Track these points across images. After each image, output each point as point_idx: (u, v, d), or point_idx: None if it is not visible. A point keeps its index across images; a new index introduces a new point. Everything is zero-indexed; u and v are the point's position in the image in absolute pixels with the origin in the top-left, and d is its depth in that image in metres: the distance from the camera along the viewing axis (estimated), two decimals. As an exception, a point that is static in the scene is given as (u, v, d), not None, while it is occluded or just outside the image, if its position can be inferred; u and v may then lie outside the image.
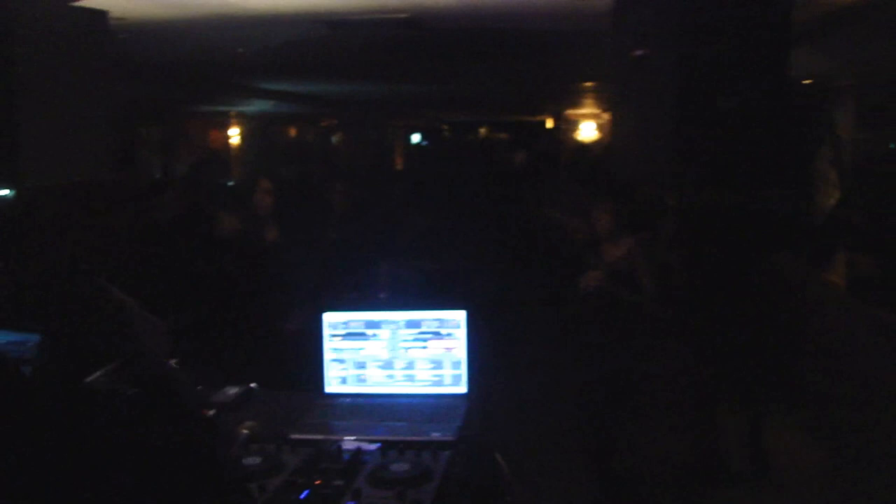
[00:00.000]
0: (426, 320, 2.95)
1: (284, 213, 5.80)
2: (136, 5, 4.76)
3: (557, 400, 5.43)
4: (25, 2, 3.91)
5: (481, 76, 10.18)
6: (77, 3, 4.25)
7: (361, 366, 2.97)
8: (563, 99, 15.16)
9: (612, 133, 8.67)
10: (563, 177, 9.56)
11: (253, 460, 2.35)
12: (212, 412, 2.68)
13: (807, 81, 6.32)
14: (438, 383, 2.94)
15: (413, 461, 2.33)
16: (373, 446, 2.47)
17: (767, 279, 5.93)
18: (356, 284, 5.28)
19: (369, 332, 2.97)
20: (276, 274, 5.29)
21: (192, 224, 6.04)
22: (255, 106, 12.82)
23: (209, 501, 1.18)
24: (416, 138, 23.52)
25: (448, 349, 2.93)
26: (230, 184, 11.17)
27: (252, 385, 3.06)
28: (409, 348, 2.95)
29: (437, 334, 2.94)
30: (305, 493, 2.16)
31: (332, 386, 2.99)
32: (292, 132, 17.59)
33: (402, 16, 5.21)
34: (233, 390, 2.99)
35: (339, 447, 2.45)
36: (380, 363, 2.97)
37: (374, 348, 2.97)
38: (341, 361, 2.99)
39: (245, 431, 2.58)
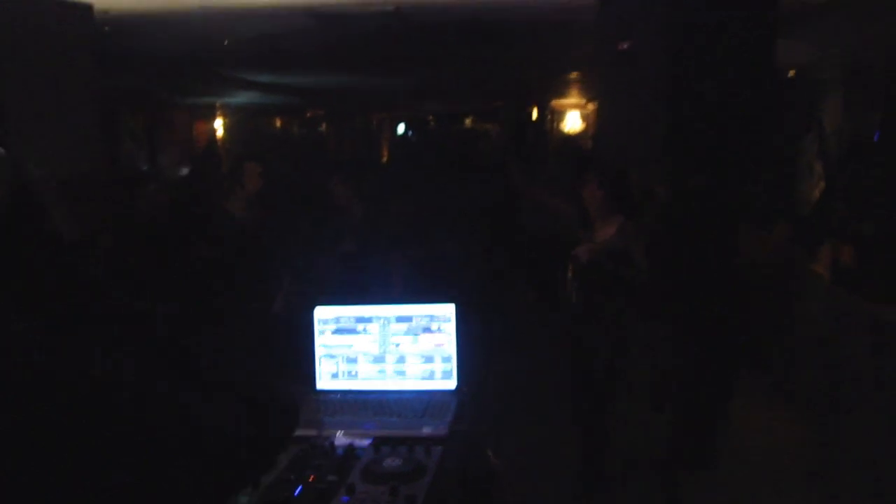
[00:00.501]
0: (416, 315, 2.96)
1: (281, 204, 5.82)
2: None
3: (547, 389, 5.46)
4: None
5: (466, 67, 10.17)
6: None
7: (353, 361, 2.98)
8: (548, 88, 15.17)
9: (597, 124, 8.68)
10: (551, 162, 9.58)
11: (245, 457, 2.35)
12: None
13: (792, 73, 6.35)
14: (429, 378, 2.95)
15: (406, 456, 2.34)
16: (365, 442, 2.48)
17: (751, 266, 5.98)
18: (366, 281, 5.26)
19: (360, 326, 2.98)
20: (263, 261, 5.27)
21: (182, 215, 6.03)
22: (241, 97, 12.76)
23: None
24: (401, 129, 23.50)
25: (438, 344, 2.95)
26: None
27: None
28: (400, 343, 2.96)
29: (427, 329, 2.95)
30: (299, 489, 2.17)
31: (323, 381, 3.00)
32: (278, 123, 17.53)
33: (388, 8, 5.20)
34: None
35: (332, 443, 2.46)
36: (371, 358, 2.97)
37: (364, 343, 2.98)
38: (332, 357, 2.99)
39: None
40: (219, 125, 13.18)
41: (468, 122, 24.23)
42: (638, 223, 4.65)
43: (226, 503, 1.25)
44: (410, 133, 24.13)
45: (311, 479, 2.22)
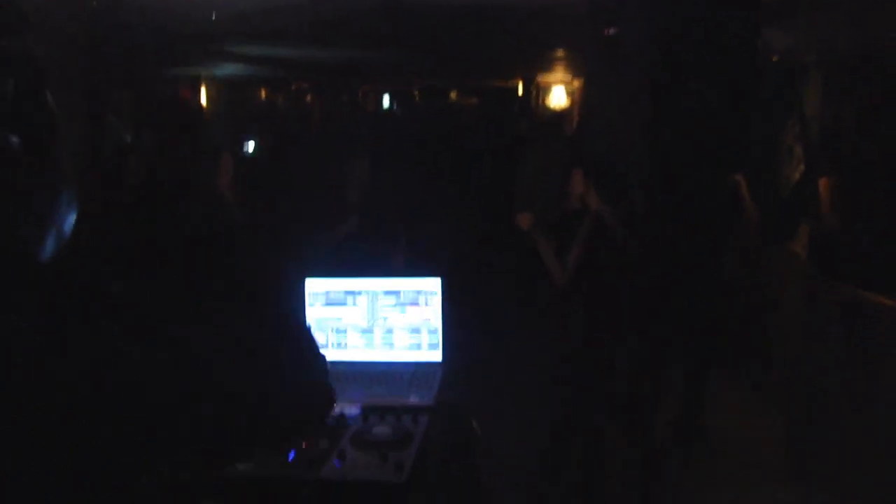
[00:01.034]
0: (404, 289, 3.06)
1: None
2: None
3: (530, 362, 5.56)
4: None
5: (453, 43, 10.21)
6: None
7: (342, 332, 3.08)
8: (535, 65, 15.21)
9: (581, 109, 8.76)
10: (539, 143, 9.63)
11: (240, 423, 2.44)
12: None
13: (775, 59, 6.44)
14: (416, 349, 3.05)
15: (394, 425, 2.45)
16: (355, 410, 2.59)
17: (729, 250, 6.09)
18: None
19: (349, 299, 3.07)
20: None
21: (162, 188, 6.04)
22: (227, 69, 12.76)
23: None
24: (386, 103, 23.51)
25: (425, 317, 3.05)
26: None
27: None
28: (388, 316, 3.06)
29: (414, 302, 3.05)
30: (293, 453, 2.27)
31: (312, 352, 3.09)
32: (263, 95, 17.50)
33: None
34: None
35: (323, 411, 2.56)
36: (359, 330, 3.07)
37: (353, 315, 3.07)
38: (322, 328, 3.09)
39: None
40: (203, 96, 13.17)
41: (453, 95, 24.23)
42: (623, 211, 4.73)
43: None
44: (395, 107, 24.13)
45: (303, 446, 2.32)
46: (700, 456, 5.26)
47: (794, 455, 5.20)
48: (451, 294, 3.08)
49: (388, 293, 3.06)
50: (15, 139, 1.08)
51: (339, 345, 3.08)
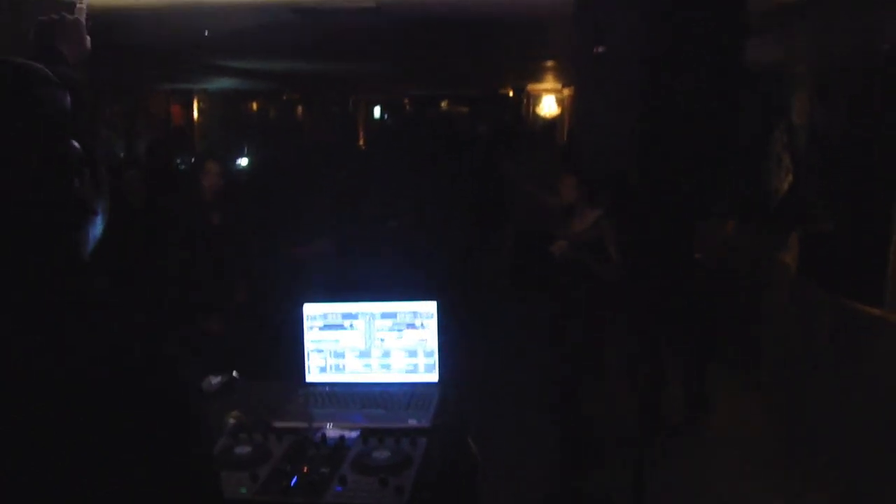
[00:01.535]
0: (401, 311, 3.11)
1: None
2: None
3: (525, 375, 5.62)
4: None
5: (443, 53, 10.27)
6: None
7: (340, 355, 3.12)
8: (525, 74, 15.29)
9: (572, 119, 8.81)
10: (528, 150, 9.68)
11: (243, 449, 2.49)
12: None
13: (762, 69, 6.50)
14: (413, 371, 3.10)
15: (393, 448, 2.49)
16: (354, 433, 2.63)
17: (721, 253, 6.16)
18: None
19: (346, 323, 3.12)
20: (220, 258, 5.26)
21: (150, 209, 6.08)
22: (218, 83, 12.81)
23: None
24: (377, 113, 23.55)
25: (422, 340, 3.09)
26: (181, 167, 11.13)
27: (234, 374, 3.20)
28: (385, 338, 3.10)
29: (411, 325, 3.10)
30: (295, 479, 2.31)
31: (312, 375, 3.14)
32: (254, 106, 17.55)
33: (370, 4, 5.30)
34: (216, 379, 3.12)
35: (324, 434, 2.61)
36: (357, 353, 3.12)
37: (351, 338, 3.12)
38: (320, 351, 3.13)
39: (232, 420, 2.72)
40: (196, 109, 13.22)
41: (444, 104, 24.29)
42: (613, 217, 4.81)
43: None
44: (386, 116, 24.18)
45: (304, 471, 2.36)
46: (690, 453, 5.32)
47: (786, 455, 5.27)
48: (447, 315, 3.13)
49: (385, 316, 3.10)
50: (77, 147, 1.21)
51: (337, 367, 3.12)
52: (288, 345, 3.23)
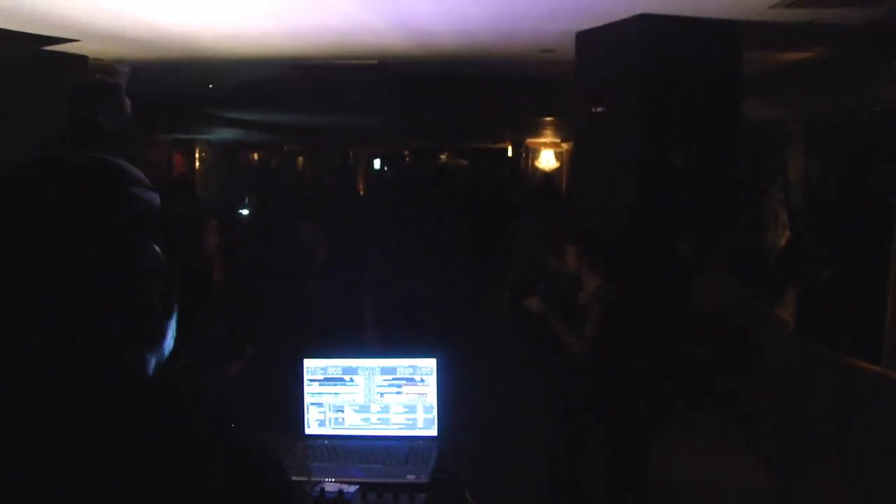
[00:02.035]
0: (400, 367, 3.13)
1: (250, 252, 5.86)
2: (113, 47, 4.89)
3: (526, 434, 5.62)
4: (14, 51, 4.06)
5: (444, 108, 10.40)
6: (55, 48, 4.41)
7: (339, 409, 3.14)
8: (524, 129, 15.44)
9: (571, 183, 8.90)
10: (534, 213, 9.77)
11: (242, 503, 2.49)
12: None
13: (758, 127, 6.60)
14: (412, 426, 3.11)
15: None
16: (353, 488, 2.64)
17: (718, 315, 6.19)
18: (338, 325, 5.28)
19: (346, 377, 3.14)
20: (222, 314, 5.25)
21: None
22: (220, 134, 12.93)
23: None
24: (377, 164, 23.72)
25: (421, 394, 3.11)
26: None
27: (232, 426, 3.20)
28: (384, 393, 3.13)
29: (410, 380, 3.12)
30: (293, 535, 2.32)
31: (311, 428, 3.15)
32: (255, 157, 17.70)
33: (371, 62, 5.39)
34: (215, 432, 3.13)
35: (322, 489, 2.61)
36: (356, 407, 3.14)
37: (350, 393, 3.14)
38: (319, 405, 3.15)
39: (231, 473, 2.73)
40: (197, 159, 13.32)
41: (444, 157, 24.48)
42: (615, 285, 4.81)
43: None
44: (386, 168, 24.36)
45: (304, 526, 2.37)
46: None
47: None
48: (446, 370, 3.15)
49: (384, 371, 3.13)
50: (160, 255, 1.15)
51: (336, 421, 3.14)
52: (288, 398, 3.25)
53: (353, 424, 3.13)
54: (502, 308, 7.76)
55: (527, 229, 7.93)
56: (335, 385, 3.14)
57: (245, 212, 11.18)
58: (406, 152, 24.91)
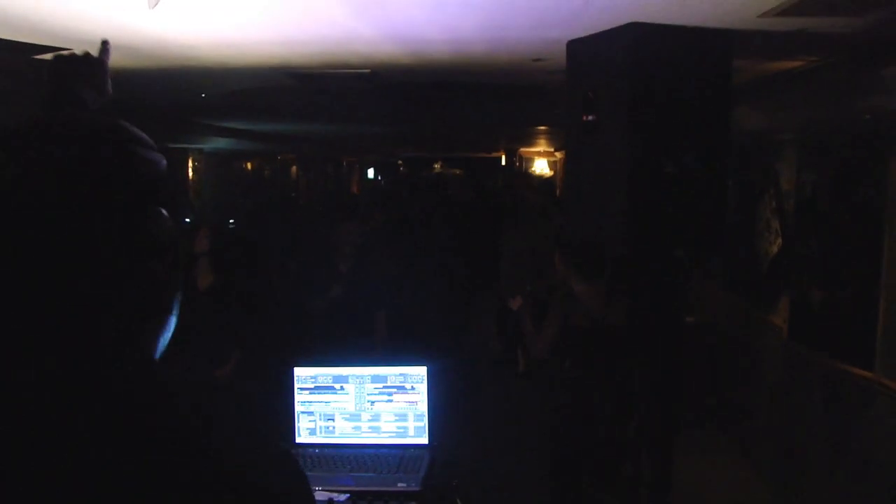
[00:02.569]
0: (391, 375, 3.13)
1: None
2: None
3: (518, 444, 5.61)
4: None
5: (437, 117, 10.40)
6: (44, 57, 4.40)
7: (330, 418, 3.13)
8: (517, 138, 15.47)
9: (562, 192, 8.92)
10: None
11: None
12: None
13: (749, 136, 6.62)
14: (403, 435, 3.11)
15: (382, 513, 2.50)
16: (343, 497, 2.63)
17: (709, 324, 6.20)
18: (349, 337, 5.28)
19: (337, 385, 3.14)
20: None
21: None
22: (214, 143, 12.92)
23: None
24: (371, 173, 23.73)
25: (411, 402, 3.11)
26: (187, 220, 11.24)
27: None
28: (375, 401, 3.12)
29: (401, 388, 3.12)
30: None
31: (301, 437, 3.15)
32: (249, 166, 17.70)
33: (364, 71, 5.39)
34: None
35: (312, 498, 2.60)
36: (347, 415, 3.13)
37: (341, 401, 3.13)
38: (310, 413, 3.15)
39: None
40: (191, 168, 13.31)
41: (437, 166, 24.52)
42: (603, 289, 4.83)
43: None
44: (380, 177, 24.38)
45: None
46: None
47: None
48: (437, 379, 3.15)
49: (375, 380, 3.12)
50: (169, 220, 1.09)
51: (327, 430, 3.14)
52: (277, 406, 3.24)
53: (344, 433, 3.13)
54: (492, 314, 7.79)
55: (515, 236, 7.96)
56: (325, 393, 3.14)
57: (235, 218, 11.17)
58: (400, 162, 24.93)
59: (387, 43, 4.45)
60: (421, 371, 3.13)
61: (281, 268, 6.07)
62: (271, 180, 18.57)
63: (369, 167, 24.79)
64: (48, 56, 4.48)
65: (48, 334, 0.99)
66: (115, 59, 4.99)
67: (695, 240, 4.01)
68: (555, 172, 16.47)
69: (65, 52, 1.57)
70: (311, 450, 3.10)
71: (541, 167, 16.83)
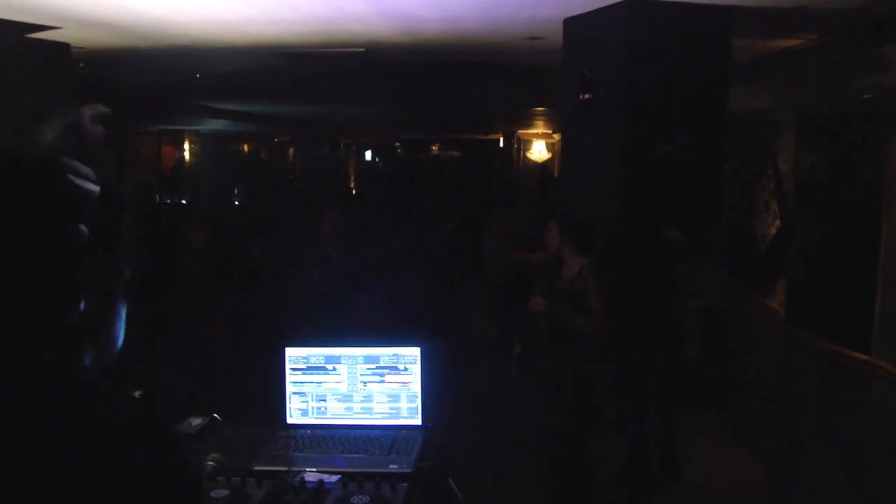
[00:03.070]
0: (384, 356, 3.09)
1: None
2: (96, 35, 4.83)
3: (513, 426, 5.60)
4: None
5: (433, 98, 10.35)
6: (36, 36, 4.35)
7: (322, 399, 3.10)
8: (515, 120, 15.41)
9: (560, 170, 8.90)
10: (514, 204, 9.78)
11: (220, 493, 2.46)
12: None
13: (748, 116, 6.57)
14: (395, 416, 3.08)
15: (373, 494, 2.46)
16: (334, 478, 2.60)
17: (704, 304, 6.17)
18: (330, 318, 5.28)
19: (329, 366, 3.10)
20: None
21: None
22: (210, 125, 12.86)
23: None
24: (368, 156, 23.66)
25: (404, 383, 3.08)
26: (183, 202, 11.23)
27: (215, 416, 3.17)
28: (368, 382, 3.09)
29: (393, 369, 3.08)
30: (272, 526, 2.28)
31: (293, 417, 3.11)
32: (245, 148, 17.63)
33: (358, 50, 5.33)
34: (196, 421, 3.09)
35: (303, 479, 2.58)
36: (339, 396, 3.10)
37: (333, 382, 3.10)
38: (302, 394, 3.11)
39: (210, 463, 2.69)
40: (187, 150, 13.26)
41: (434, 148, 24.45)
42: (598, 266, 4.81)
43: None
44: (377, 159, 24.31)
45: (282, 517, 2.33)
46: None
47: (773, 498, 5.26)
48: (430, 359, 3.12)
49: (367, 360, 3.09)
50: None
51: (319, 410, 3.10)
52: (270, 387, 3.21)
53: (336, 414, 3.10)
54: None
55: (500, 218, 7.94)
56: (317, 374, 3.10)
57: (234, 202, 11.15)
58: (397, 144, 24.85)
59: (379, 20, 4.39)
60: (414, 352, 3.09)
61: (271, 248, 6.05)
62: (268, 162, 18.50)
63: (366, 149, 24.71)
64: (41, 34, 4.44)
65: None
66: (107, 39, 4.94)
67: (690, 219, 3.98)
68: (553, 155, 16.40)
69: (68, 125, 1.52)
70: (302, 431, 3.07)
71: (539, 149, 16.76)
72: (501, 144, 19.65)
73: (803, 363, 5.35)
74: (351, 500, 2.42)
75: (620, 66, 3.63)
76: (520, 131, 17.55)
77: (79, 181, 1.22)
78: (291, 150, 20.17)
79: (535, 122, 15.01)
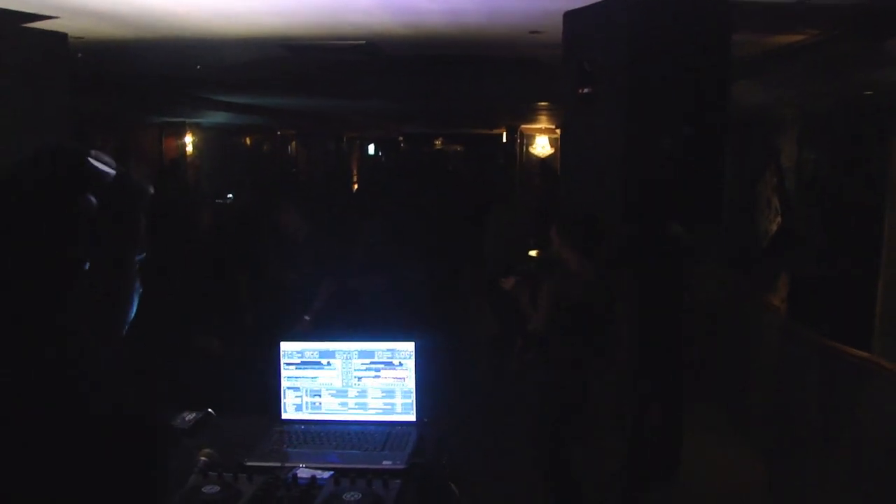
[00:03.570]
0: (378, 350, 3.07)
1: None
2: (95, 25, 4.81)
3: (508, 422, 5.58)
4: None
5: (437, 93, 10.32)
6: (34, 25, 4.32)
7: (316, 394, 3.08)
8: (519, 115, 15.36)
9: (561, 167, 8.88)
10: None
11: (211, 488, 2.43)
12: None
13: (750, 112, 6.54)
14: (390, 411, 3.06)
15: (365, 490, 2.44)
16: (326, 474, 2.58)
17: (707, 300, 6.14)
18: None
19: (324, 361, 3.08)
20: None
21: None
22: (212, 117, 12.82)
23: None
24: (371, 149, 23.63)
25: (399, 378, 3.05)
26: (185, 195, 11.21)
27: (209, 410, 3.15)
28: (362, 377, 3.07)
29: (388, 364, 3.06)
30: (262, 521, 2.26)
31: (287, 413, 3.09)
32: (247, 141, 17.59)
33: (360, 42, 5.31)
34: (190, 416, 3.07)
35: (295, 475, 2.55)
36: (333, 391, 3.08)
37: (328, 377, 3.08)
38: (296, 389, 3.09)
39: (203, 458, 2.67)
40: (188, 143, 13.22)
41: (437, 142, 24.42)
42: (600, 265, 4.78)
43: None
44: (381, 153, 24.28)
45: (273, 512, 2.31)
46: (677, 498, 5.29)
47: (773, 494, 5.24)
48: (425, 354, 3.09)
49: (362, 355, 3.07)
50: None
51: (313, 406, 3.08)
52: (264, 382, 3.19)
53: (331, 409, 3.08)
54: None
55: (500, 213, 7.92)
56: (312, 369, 3.08)
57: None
58: (400, 138, 24.82)
59: (381, 12, 4.37)
60: (409, 347, 3.07)
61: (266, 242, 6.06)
62: (270, 156, 18.46)
63: (370, 143, 24.69)
64: (37, 24, 4.41)
65: None
66: (106, 29, 4.92)
67: (692, 214, 3.95)
68: (556, 150, 16.36)
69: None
70: (296, 426, 3.05)
71: (542, 144, 16.72)
72: (505, 139, 19.59)
73: (804, 360, 5.33)
74: (342, 496, 2.40)
75: (621, 60, 3.60)
76: (523, 126, 17.49)
77: (96, 163, 1.34)
78: (294, 143, 20.13)
79: (539, 117, 14.97)
